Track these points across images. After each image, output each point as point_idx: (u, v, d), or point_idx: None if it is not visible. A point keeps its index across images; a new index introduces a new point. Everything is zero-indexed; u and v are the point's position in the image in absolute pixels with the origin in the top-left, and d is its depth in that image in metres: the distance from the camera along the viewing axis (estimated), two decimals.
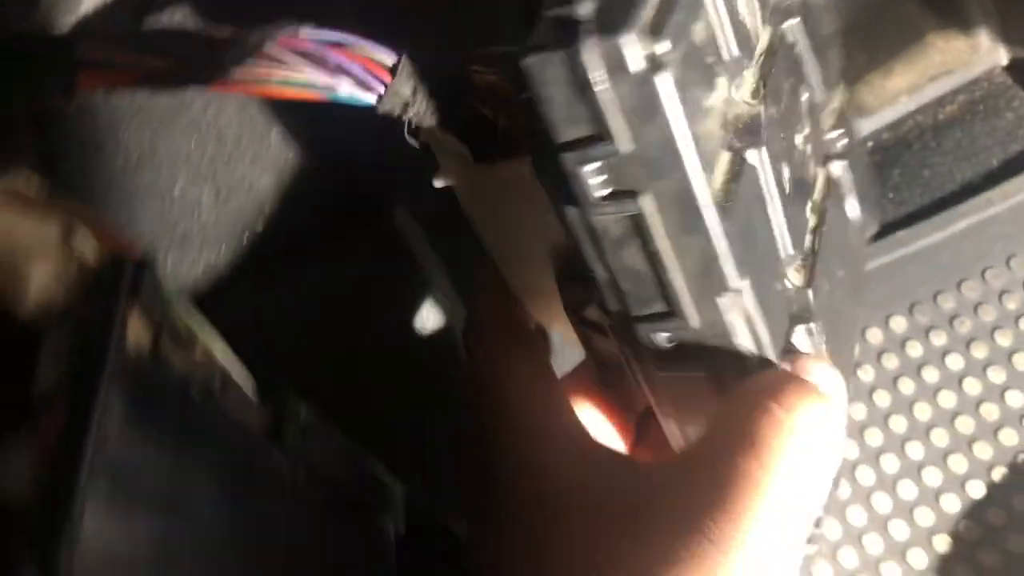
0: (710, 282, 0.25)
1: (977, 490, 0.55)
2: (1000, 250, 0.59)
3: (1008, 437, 0.55)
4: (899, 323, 0.59)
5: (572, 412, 0.30)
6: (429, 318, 0.43)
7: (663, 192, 0.24)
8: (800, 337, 0.29)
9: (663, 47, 0.22)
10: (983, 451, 0.55)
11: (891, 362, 0.58)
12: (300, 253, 0.43)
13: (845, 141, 0.36)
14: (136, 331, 0.20)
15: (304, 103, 0.24)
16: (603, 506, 0.26)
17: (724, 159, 0.26)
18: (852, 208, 0.37)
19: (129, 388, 0.19)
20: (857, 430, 0.57)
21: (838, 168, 0.36)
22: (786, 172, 0.29)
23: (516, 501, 0.28)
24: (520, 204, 0.28)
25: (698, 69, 0.24)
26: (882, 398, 0.58)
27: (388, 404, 0.43)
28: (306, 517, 0.26)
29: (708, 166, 0.24)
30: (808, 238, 0.32)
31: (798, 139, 0.32)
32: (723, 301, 0.26)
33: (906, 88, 0.65)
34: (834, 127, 0.36)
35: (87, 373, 0.18)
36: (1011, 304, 0.58)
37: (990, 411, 0.56)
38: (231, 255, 0.42)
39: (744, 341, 0.27)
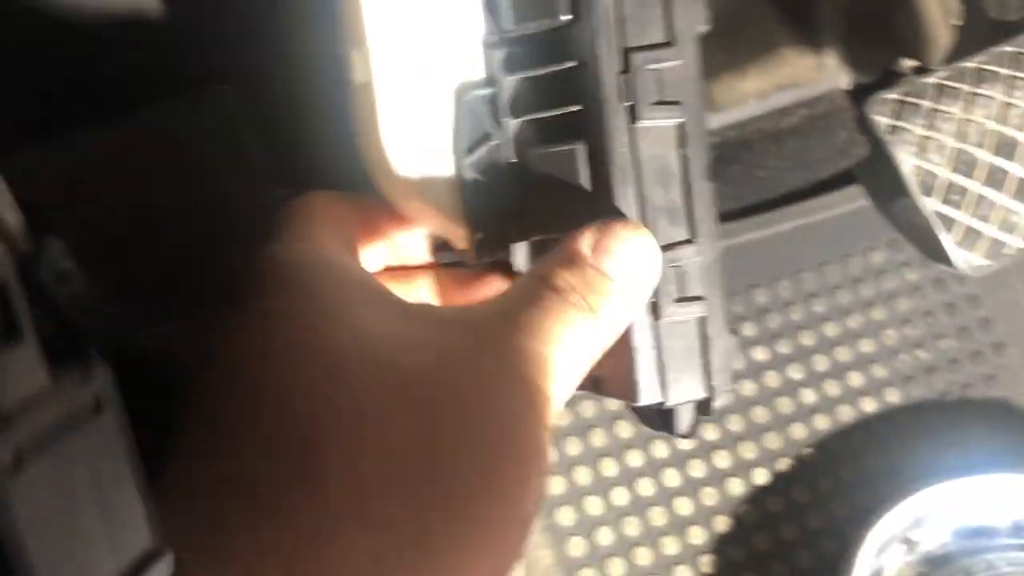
0: None
1: (761, 477, 0.57)
2: (816, 255, 0.62)
3: (797, 431, 0.58)
4: None
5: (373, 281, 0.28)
6: (234, 196, 0.41)
7: None
8: None
9: None
10: (773, 441, 0.57)
11: None
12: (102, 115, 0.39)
13: None
14: None
15: None
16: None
17: None
18: None
19: None
20: None
21: None
22: None
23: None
24: None
25: None
26: None
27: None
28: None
29: None
30: None
31: None
32: None
33: (755, 92, 0.67)
34: None
35: None
36: (818, 307, 0.61)
37: (784, 404, 0.58)
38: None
39: None
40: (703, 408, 0.31)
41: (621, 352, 0.29)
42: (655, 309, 0.29)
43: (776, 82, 0.68)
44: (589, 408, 0.55)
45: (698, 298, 0.29)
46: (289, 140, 0.43)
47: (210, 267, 0.42)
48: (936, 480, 0.53)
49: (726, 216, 0.63)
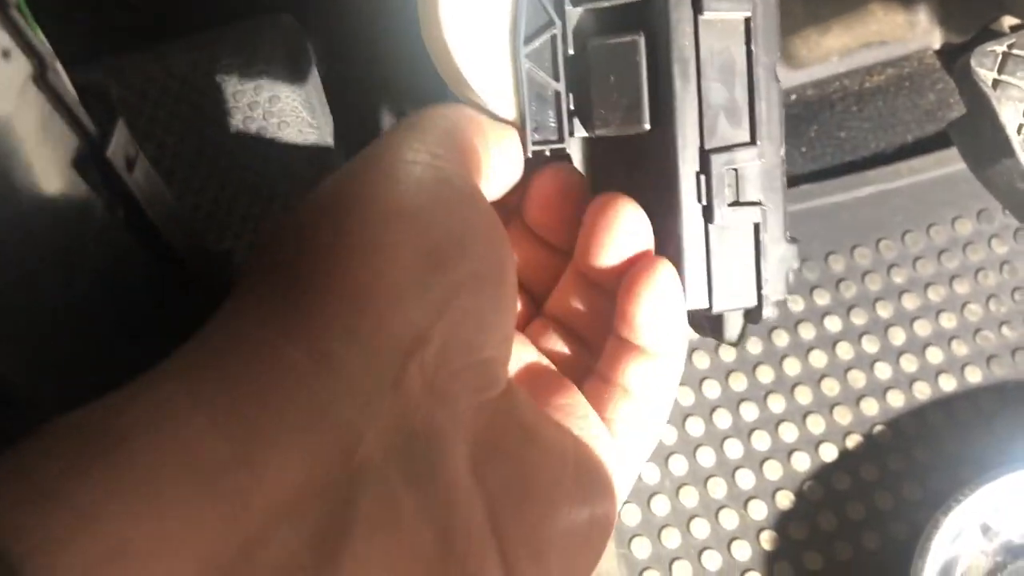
0: None
1: (829, 453, 0.54)
2: (898, 223, 0.58)
3: (869, 407, 0.54)
4: None
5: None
6: (297, 129, 0.39)
7: None
8: None
9: None
10: (843, 416, 0.54)
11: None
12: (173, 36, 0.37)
13: None
14: None
15: None
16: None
17: None
18: None
19: None
20: (723, 374, 0.55)
21: None
22: None
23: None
24: None
25: None
26: (754, 345, 0.56)
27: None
28: (115, 260, 0.21)
29: None
30: None
31: None
32: None
33: (839, 49, 0.63)
34: None
35: None
36: (898, 278, 0.57)
37: (857, 378, 0.55)
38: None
39: None
40: (752, 316, 0.29)
41: (668, 251, 0.28)
42: (707, 212, 0.28)
43: (862, 39, 0.64)
44: None
45: (755, 203, 0.28)
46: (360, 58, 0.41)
47: (267, 193, 0.40)
48: (1018, 466, 0.50)
49: (804, 178, 0.59)
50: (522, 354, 0.28)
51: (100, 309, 0.21)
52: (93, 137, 0.21)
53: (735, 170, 0.28)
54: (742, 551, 0.51)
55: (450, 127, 0.27)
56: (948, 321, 0.57)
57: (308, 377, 0.20)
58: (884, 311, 0.56)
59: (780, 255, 0.29)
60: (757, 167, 0.28)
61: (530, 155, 0.29)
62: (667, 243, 0.28)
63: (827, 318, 0.56)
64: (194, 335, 0.21)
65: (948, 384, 0.55)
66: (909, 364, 0.55)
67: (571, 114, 0.29)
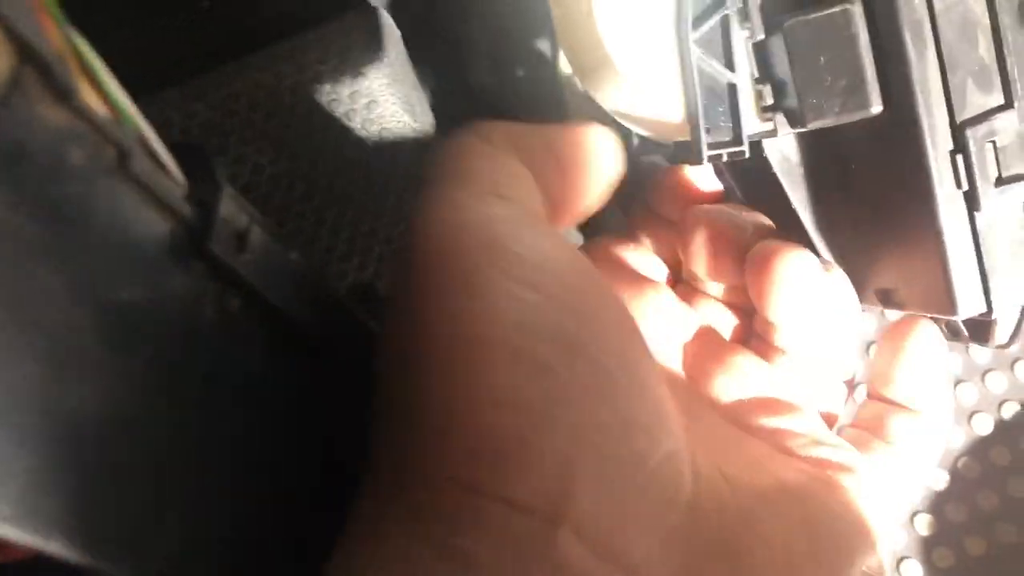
0: None
1: (984, 426, 0.49)
2: None
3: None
4: None
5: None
6: (391, 133, 0.36)
7: None
8: None
9: None
10: (997, 384, 0.50)
11: None
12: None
13: None
14: None
15: None
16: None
17: None
18: None
19: None
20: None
21: None
22: None
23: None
24: None
25: None
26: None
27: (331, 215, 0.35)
28: (235, 362, 0.18)
29: None
30: None
31: None
32: None
33: None
34: None
35: None
36: None
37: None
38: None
39: None
40: None
41: (920, 254, 0.24)
42: (971, 199, 0.24)
43: None
44: None
45: (1021, 176, 0.24)
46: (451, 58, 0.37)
47: (373, 208, 0.37)
48: None
49: None
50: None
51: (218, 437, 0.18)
52: (191, 223, 0.17)
53: (992, 142, 0.24)
54: (896, 537, 0.48)
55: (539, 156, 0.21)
56: None
57: None
58: None
59: None
60: (1017, 132, 0.24)
61: (705, 162, 0.25)
62: (923, 246, 0.24)
63: None
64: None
65: None
66: None
67: (763, 110, 0.25)
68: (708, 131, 0.25)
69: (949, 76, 0.23)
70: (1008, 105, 0.24)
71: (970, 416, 0.49)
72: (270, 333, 0.19)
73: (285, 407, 0.19)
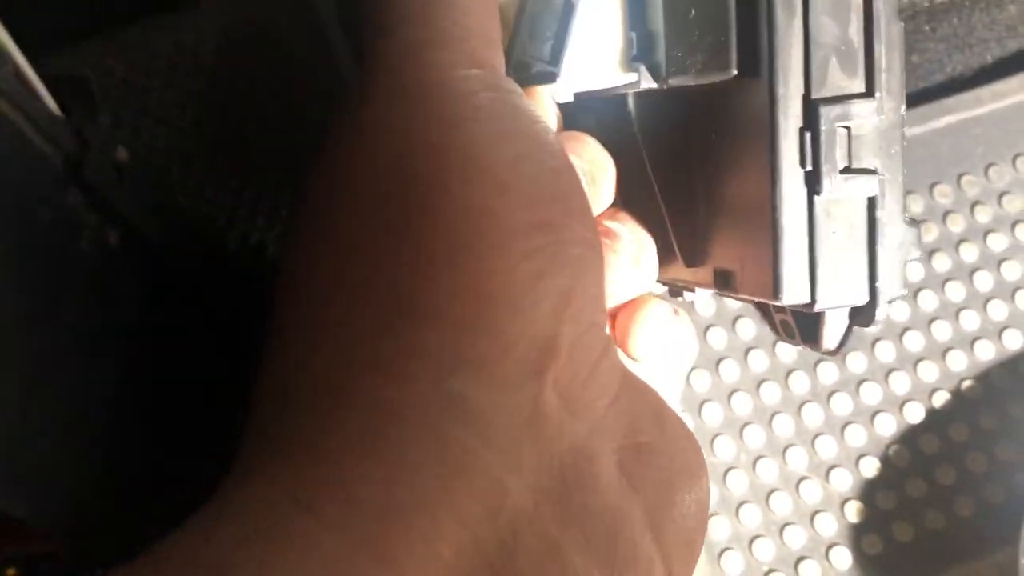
0: None
1: (915, 414, 0.50)
2: (980, 156, 0.53)
3: (956, 360, 0.50)
4: None
5: None
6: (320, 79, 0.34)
7: None
8: None
9: None
10: (928, 373, 0.50)
11: None
12: None
13: None
14: None
15: None
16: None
17: None
18: None
19: None
20: None
21: None
22: None
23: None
24: None
25: None
26: None
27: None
28: (112, 298, 0.17)
29: None
30: None
31: None
32: None
33: None
34: None
35: None
36: (983, 217, 0.52)
37: (942, 330, 0.51)
38: None
39: None
40: (862, 317, 0.25)
41: (759, 236, 0.23)
42: (812, 180, 0.23)
43: None
44: (720, 339, 0.49)
45: (870, 171, 0.23)
46: None
47: (296, 165, 0.36)
48: None
49: None
50: None
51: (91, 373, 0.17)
52: (67, 150, 0.16)
53: (847, 128, 0.23)
54: (826, 525, 0.48)
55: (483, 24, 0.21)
56: None
57: (437, 435, 0.17)
58: (969, 254, 0.52)
59: (899, 239, 0.24)
60: (874, 125, 0.23)
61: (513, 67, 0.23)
62: (759, 223, 0.23)
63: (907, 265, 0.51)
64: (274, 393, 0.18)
65: None
66: (998, 312, 0.51)
67: (636, 60, 0.24)
68: (532, 38, 0.23)
69: (812, 50, 0.23)
70: (869, 94, 0.23)
71: (901, 404, 0.49)
72: (152, 273, 0.18)
73: (163, 349, 0.18)
